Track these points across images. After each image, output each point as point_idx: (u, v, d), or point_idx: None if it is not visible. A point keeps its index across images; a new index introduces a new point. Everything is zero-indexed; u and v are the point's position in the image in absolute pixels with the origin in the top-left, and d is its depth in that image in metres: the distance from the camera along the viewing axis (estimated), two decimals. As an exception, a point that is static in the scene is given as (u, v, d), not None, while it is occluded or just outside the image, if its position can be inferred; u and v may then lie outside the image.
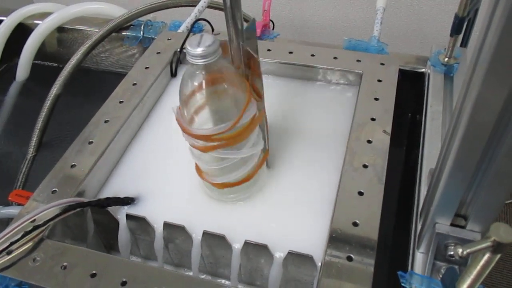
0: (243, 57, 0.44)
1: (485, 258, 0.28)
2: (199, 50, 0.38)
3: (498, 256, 0.27)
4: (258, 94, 0.45)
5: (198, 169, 0.48)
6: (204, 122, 0.44)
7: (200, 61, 0.39)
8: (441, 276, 0.37)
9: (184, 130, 0.43)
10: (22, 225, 0.44)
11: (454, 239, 0.36)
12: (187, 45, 0.39)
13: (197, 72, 0.41)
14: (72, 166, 0.51)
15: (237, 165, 0.45)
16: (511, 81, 0.27)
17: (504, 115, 0.29)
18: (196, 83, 0.41)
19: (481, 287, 0.32)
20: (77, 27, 0.82)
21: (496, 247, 0.26)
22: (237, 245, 0.45)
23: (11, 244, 0.43)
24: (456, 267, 0.37)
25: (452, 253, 0.36)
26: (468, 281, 0.29)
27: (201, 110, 0.43)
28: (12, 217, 0.49)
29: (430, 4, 0.97)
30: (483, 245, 0.27)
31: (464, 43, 0.63)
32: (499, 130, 0.29)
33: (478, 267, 0.28)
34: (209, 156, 0.44)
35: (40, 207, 0.45)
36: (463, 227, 0.37)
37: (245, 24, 0.43)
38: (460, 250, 0.27)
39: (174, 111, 0.44)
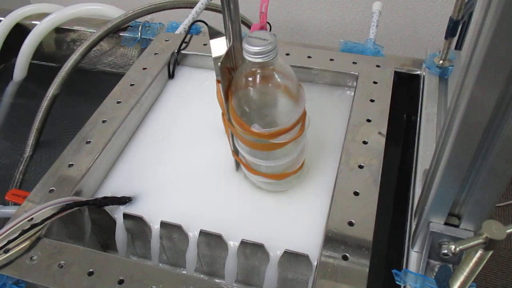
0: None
1: (477, 255, 0.28)
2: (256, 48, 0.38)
3: (490, 253, 0.28)
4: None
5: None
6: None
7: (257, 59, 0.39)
8: (435, 274, 0.37)
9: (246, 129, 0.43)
10: (20, 223, 0.44)
11: (448, 237, 0.37)
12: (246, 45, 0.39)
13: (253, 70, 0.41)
14: (70, 165, 0.51)
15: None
16: (503, 82, 0.27)
17: (496, 115, 0.29)
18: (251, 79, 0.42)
19: (473, 285, 0.33)
20: (75, 27, 0.82)
21: (488, 244, 0.27)
22: (233, 244, 0.46)
23: (9, 242, 0.43)
24: (450, 265, 0.38)
25: (445, 251, 0.36)
26: (461, 278, 0.30)
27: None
28: (9, 217, 0.49)
29: (425, 7, 0.98)
30: (476, 242, 0.27)
31: (458, 46, 0.64)
32: (492, 130, 0.30)
33: (471, 264, 0.29)
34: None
35: (38, 206, 0.45)
36: (457, 226, 0.37)
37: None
38: (453, 247, 0.28)
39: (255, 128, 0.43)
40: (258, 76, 0.41)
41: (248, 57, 0.39)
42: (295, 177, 0.49)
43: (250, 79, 0.41)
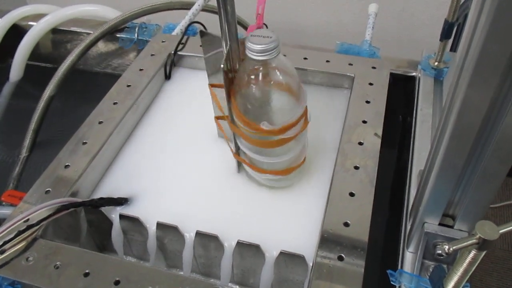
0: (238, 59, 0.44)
1: (471, 255, 0.28)
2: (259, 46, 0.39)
3: (484, 253, 0.28)
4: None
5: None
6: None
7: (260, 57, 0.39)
8: (429, 274, 0.38)
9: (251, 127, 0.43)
10: (16, 224, 0.44)
11: (442, 238, 0.37)
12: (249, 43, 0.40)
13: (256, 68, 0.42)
14: (66, 166, 0.51)
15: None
16: (496, 83, 0.28)
17: (490, 116, 0.29)
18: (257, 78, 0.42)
19: (467, 285, 0.33)
20: (72, 28, 0.82)
21: (482, 244, 0.27)
22: (229, 245, 0.46)
23: (4, 243, 0.43)
24: (444, 265, 0.38)
25: (440, 251, 0.36)
26: (455, 278, 0.30)
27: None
28: (5, 218, 0.49)
29: (421, 10, 0.99)
30: (469, 242, 0.27)
31: (453, 48, 0.64)
32: (485, 131, 0.30)
33: (464, 264, 0.29)
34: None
35: (34, 207, 0.45)
36: (451, 226, 0.38)
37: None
38: (446, 247, 0.28)
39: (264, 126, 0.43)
40: (260, 74, 0.42)
41: (251, 56, 0.40)
42: (298, 172, 0.50)
43: (253, 77, 0.42)
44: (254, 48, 0.39)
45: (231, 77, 0.44)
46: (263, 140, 0.44)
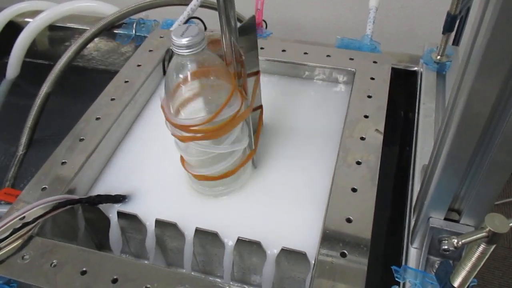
0: (235, 55, 0.43)
1: (480, 249, 0.28)
2: (184, 41, 0.38)
3: (493, 247, 0.27)
4: (245, 92, 0.45)
5: (182, 159, 0.48)
6: (190, 114, 0.43)
7: (185, 52, 0.38)
8: (434, 270, 0.37)
9: (167, 119, 0.43)
10: (11, 222, 0.43)
11: (448, 233, 0.36)
12: (172, 36, 0.38)
13: (183, 63, 0.40)
14: (63, 163, 0.50)
15: (217, 160, 0.45)
16: (504, 73, 0.27)
17: (497, 107, 0.29)
18: (181, 75, 0.41)
19: (474, 281, 0.32)
20: (69, 25, 0.81)
21: (491, 237, 0.26)
22: (230, 242, 0.45)
23: (0, 241, 0.42)
24: (450, 261, 0.37)
25: (446, 247, 0.35)
26: (462, 274, 0.29)
27: (187, 103, 0.43)
28: (0, 216, 0.48)
29: (423, 4, 0.98)
30: (478, 235, 0.27)
31: (456, 41, 0.63)
32: (493, 122, 0.29)
33: (473, 259, 0.28)
34: (191, 147, 0.44)
35: (30, 204, 0.44)
36: (457, 221, 0.37)
37: (238, 24, 0.43)
38: (455, 241, 0.27)
39: (161, 98, 0.43)
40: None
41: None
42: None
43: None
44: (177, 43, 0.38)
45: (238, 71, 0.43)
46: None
